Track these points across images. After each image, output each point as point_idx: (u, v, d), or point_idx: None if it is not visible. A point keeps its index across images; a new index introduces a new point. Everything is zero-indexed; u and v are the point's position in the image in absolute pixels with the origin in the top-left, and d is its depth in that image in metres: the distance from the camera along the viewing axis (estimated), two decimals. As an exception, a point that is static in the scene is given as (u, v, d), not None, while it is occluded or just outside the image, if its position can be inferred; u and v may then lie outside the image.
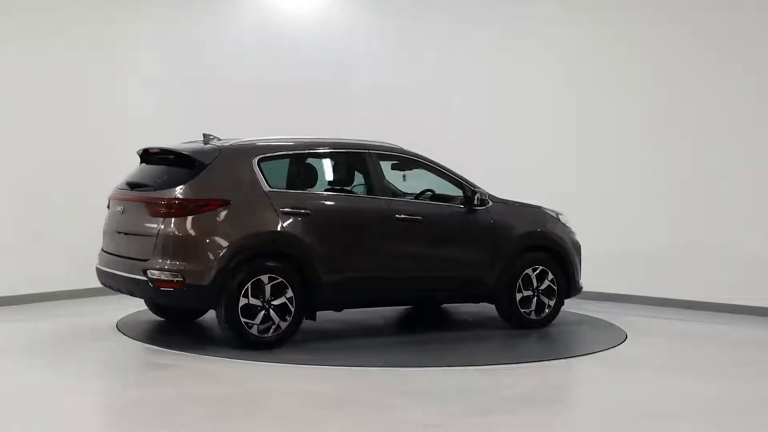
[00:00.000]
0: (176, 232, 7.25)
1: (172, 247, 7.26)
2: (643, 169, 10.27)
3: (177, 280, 7.20)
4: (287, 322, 7.44)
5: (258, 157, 7.65)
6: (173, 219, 7.27)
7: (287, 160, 8.00)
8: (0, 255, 9.32)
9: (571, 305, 9.67)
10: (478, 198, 8.35)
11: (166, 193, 7.41)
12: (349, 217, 7.87)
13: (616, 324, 8.97)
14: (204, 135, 8.09)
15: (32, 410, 5.82)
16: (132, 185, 7.90)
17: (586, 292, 10.33)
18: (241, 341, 7.35)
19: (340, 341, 8.06)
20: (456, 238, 8.35)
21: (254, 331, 7.35)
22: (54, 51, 9.76)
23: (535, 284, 8.55)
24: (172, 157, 7.80)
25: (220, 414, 5.80)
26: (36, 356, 7.38)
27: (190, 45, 11.00)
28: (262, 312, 7.35)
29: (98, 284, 8.33)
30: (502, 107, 11.11)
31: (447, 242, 8.30)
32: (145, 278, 7.32)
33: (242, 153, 7.69)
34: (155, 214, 7.39)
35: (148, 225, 7.43)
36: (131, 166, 8.87)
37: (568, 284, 8.77)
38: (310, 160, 8.24)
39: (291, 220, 7.50)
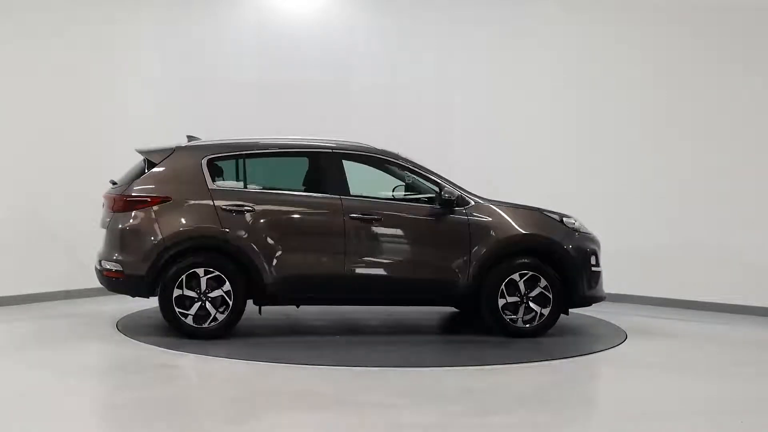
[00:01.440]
0: (119, 226, 7.92)
1: (115, 239, 7.95)
2: (643, 169, 10.28)
3: (117, 270, 7.89)
4: (224, 315, 7.78)
5: (207, 157, 8.05)
6: (118, 214, 7.95)
7: (240, 159, 8.22)
8: (1, 255, 9.32)
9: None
10: (447, 198, 8.00)
11: (117, 190, 8.07)
12: (295, 215, 8.01)
13: (616, 324, 8.97)
14: (188, 137, 8.52)
15: (32, 410, 5.82)
16: (112, 183, 8.38)
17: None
18: (177, 330, 7.81)
19: (340, 341, 8.06)
20: (421, 239, 8.09)
21: (189, 321, 7.78)
22: (54, 51, 9.76)
23: (522, 290, 8.10)
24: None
25: (219, 414, 5.80)
26: (36, 356, 7.38)
27: (190, 45, 11.01)
28: (198, 303, 7.77)
29: (98, 284, 8.37)
30: (502, 107, 11.11)
31: (409, 242, 8.09)
32: (99, 268, 8.09)
33: (193, 153, 8.12)
34: (109, 209, 8.09)
35: (106, 219, 8.13)
36: (131, 166, 8.91)
37: (570, 293, 8.21)
38: (262, 160, 8.40)
39: (230, 216, 7.84)
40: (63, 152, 9.82)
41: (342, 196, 8.02)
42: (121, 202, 7.92)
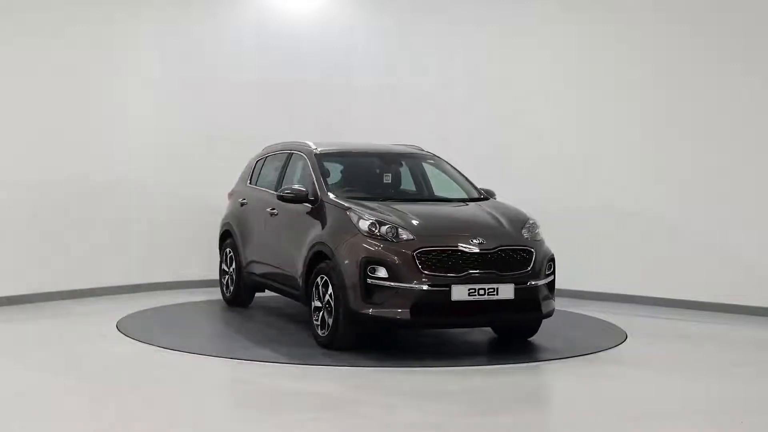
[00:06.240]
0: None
1: None
2: (643, 169, 10.27)
3: None
4: (232, 287, 9.49)
5: (257, 159, 9.63)
6: None
7: (268, 161, 9.45)
8: (1, 255, 9.32)
9: (570, 305, 9.68)
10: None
11: None
12: (254, 209, 9.15)
13: (616, 324, 8.96)
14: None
15: (32, 410, 5.82)
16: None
17: (586, 292, 10.33)
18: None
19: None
20: (286, 234, 8.46)
21: (223, 289, 9.75)
22: (54, 51, 9.75)
23: (321, 296, 7.53)
24: None
25: (220, 414, 5.81)
26: (36, 356, 7.39)
27: (190, 45, 10.99)
28: (227, 276, 9.64)
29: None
30: (502, 107, 11.10)
31: (282, 237, 8.56)
32: None
33: (256, 156, 9.69)
34: None
35: None
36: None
37: (347, 307, 7.22)
38: (274, 161, 9.33)
39: (238, 208, 9.50)
40: (63, 152, 9.81)
41: (276, 192, 8.64)
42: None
